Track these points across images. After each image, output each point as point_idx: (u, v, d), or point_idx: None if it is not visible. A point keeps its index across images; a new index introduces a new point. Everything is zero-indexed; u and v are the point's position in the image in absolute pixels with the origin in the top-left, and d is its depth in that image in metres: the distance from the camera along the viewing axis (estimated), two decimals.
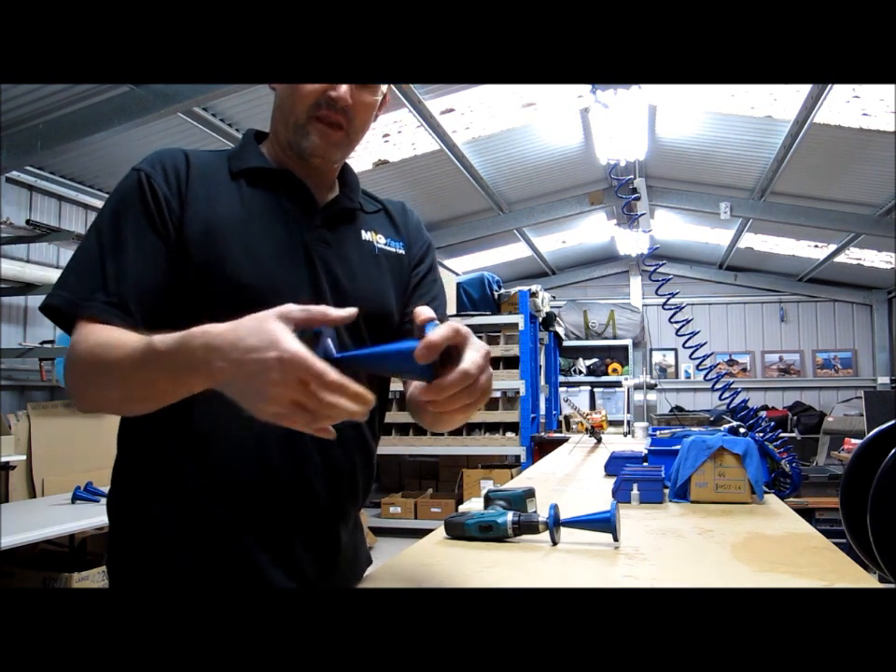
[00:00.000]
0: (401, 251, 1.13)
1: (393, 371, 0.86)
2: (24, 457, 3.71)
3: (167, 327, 0.82)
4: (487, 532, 1.27)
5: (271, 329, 0.69)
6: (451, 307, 5.68)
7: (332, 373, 0.68)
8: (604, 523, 1.25)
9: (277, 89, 1.03)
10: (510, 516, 1.28)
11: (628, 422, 4.42)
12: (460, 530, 1.32)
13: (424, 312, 0.80)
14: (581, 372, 8.85)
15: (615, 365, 8.88)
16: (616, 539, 1.25)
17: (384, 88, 1.06)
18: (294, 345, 0.68)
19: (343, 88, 0.98)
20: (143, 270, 0.92)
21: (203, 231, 0.95)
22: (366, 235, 1.08)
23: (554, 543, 1.26)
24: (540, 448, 4.85)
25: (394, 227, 1.15)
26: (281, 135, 1.03)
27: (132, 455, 1.01)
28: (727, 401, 2.12)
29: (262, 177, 1.02)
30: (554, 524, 1.26)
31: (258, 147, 1.06)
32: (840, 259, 7.29)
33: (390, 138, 4.71)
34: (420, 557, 1.21)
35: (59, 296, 0.91)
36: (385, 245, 1.10)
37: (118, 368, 0.82)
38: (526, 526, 1.27)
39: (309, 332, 0.73)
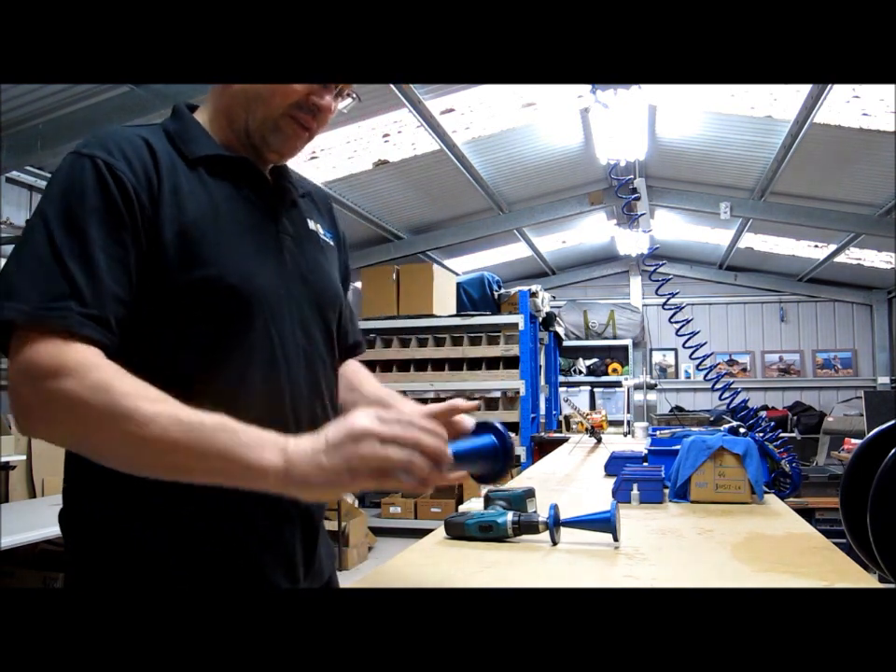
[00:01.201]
0: (332, 242, 1.11)
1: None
2: (24, 457, 3.71)
3: (133, 341, 0.81)
4: (487, 532, 1.27)
5: (352, 418, 0.74)
6: (451, 307, 5.68)
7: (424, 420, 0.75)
8: (604, 523, 1.25)
9: None
10: (510, 516, 1.28)
11: (628, 422, 4.42)
12: (460, 530, 1.32)
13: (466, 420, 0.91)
14: (581, 372, 8.85)
15: (615, 365, 8.88)
16: (616, 539, 1.25)
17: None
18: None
19: (329, 97, 0.96)
20: (116, 276, 0.81)
21: (179, 233, 0.86)
22: (311, 225, 1.06)
23: (554, 543, 1.26)
24: (540, 448, 4.85)
25: (321, 215, 1.11)
26: (239, 120, 0.96)
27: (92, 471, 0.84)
28: (727, 401, 2.12)
29: (220, 165, 0.94)
30: (554, 524, 1.26)
31: (201, 126, 0.97)
32: (840, 259, 7.29)
33: (390, 138, 4.71)
34: (420, 557, 1.21)
35: (12, 308, 0.76)
36: (324, 235, 1.08)
37: (162, 425, 0.72)
38: (526, 526, 1.27)
39: None
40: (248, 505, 0.87)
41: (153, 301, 0.85)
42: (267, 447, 0.73)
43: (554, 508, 1.27)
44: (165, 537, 0.87)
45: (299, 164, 4.68)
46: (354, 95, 1.01)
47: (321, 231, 1.08)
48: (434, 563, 1.18)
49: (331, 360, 1.04)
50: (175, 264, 0.85)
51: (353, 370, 1.17)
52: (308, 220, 1.05)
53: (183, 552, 0.88)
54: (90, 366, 0.75)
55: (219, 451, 0.72)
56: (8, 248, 3.78)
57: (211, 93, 0.99)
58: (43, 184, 4.03)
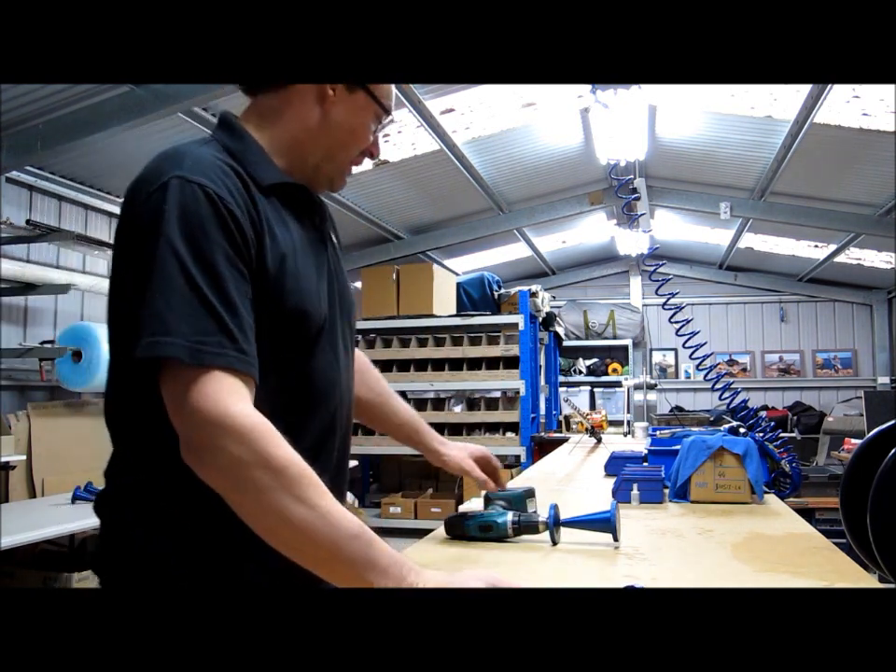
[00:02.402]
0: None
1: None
2: (24, 457, 3.70)
3: None
4: (487, 532, 1.27)
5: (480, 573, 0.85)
6: (451, 307, 5.68)
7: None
8: (604, 523, 1.25)
9: (333, 117, 1.01)
10: (510, 516, 1.28)
11: (628, 422, 4.42)
12: (460, 530, 1.31)
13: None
14: (581, 372, 8.84)
15: (615, 365, 8.87)
16: (616, 539, 1.25)
17: None
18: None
19: (379, 145, 1.08)
20: (248, 310, 0.86)
21: (277, 263, 0.91)
22: (333, 238, 1.12)
23: (554, 543, 1.26)
24: (540, 448, 4.85)
25: (331, 224, 1.13)
26: (313, 159, 1.03)
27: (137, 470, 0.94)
28: (727, 401, 2.12)
29: (287, 193, 0.99)
30: (554, 524, 1.26)
31: (265, 152, 1.00)
32: (840, 259, 7.28)
33: (390, 138, 4.71)
34: (420, 557, 1.21)
35: (171, 344, 0.79)
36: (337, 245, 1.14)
37: (312, 520, 0.78)
38: (526, 526, 1.27)
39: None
40: None
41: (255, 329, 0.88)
42: (390, 575, 0.79)
43: (554, 508, 1.27)
44: (190, 516, 0.91)
45: None
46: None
47: (336, 242, 1.14)
48: (434, 563, 1.18)
49: (353, 358, 1.15)
50: (276, 293, 0.91)
51: (366, 363, 1.32)
52: (332, 236, 1.12)
53: (205, 533, 0.92)
54: (256, 434, 0.79)
55: (347, 558, 0.79)
56: (9, 248, 3.78)
57: (273, 118, 1.01)
58: (43, 184, 4.03)
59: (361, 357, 1.28)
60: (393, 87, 1.10)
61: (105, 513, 0.97)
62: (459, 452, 1.36)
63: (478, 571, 0.81)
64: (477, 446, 1.40)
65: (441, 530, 1.38)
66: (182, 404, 0.80)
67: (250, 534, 0.83)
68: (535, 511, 1.35)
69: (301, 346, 0.97)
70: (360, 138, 1.05)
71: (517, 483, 2.27)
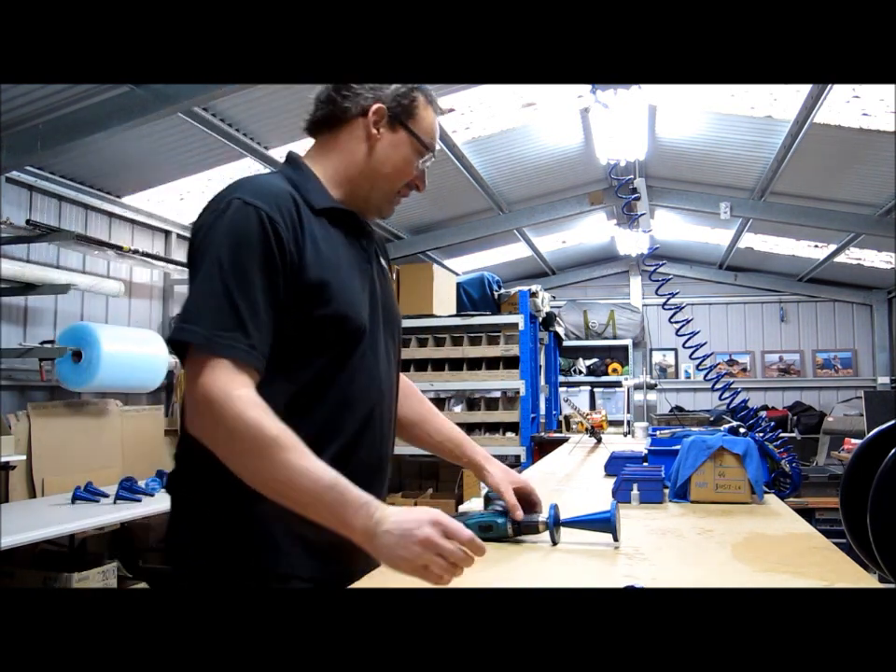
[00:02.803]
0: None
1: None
2: (24, 457, 3.70)
3: (276, 360, 1.03)
4: (487, 532, 1.27)
5: (424, 509, 0.94)
6: (451, 307, 5.68)
7: (465, 530, 0.92)
8: (604, 523, 1.25)
9: (377, 153, 1.17)
10: (506, 521, 1.28)
11: (628, 422, 4.41)
12: None
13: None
14: (581, 372, 8.83)
15: (615, 365, 8.86)
16: (616, 539, 1.25)
17: None
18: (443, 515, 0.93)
19: (424, 177, 1.23)
20: (271, 314, 1.03)
21: (321, 273, 1.08)
22: (383, 262, 1.30)
23: (554, 543, 1.26)
24: (540, 448, 4.85)
25: (382, 250, 1.31)
26: (362, 190, 1.20)
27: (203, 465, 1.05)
28: (727, 401, 2.12)
29: (337, 216, 1.16)
30: (554, 524, 1.26)
31: (321, 182, 1.18)
32: (840, 259, 7.28)
33: None
34: None
35: (193, 332, 0.98)
36: (386, 270, 1.32)
37: (295, 470, 0.94)
38: (527, 527, 1.27)
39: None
40: None
41: (287, 329, 1.06)
42: (360, 515, 0.92)
43: (554, 508, 1.27)
44: (243, 505, 1.06)
45: None
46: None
47: (384, 265, 1.31)
48: None
49: (399, 372, 1.31)
50: (316, 301, 1.07)
51: (411, 386, 1.46)
52: (381, 258, 1.29)
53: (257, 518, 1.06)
54: (251, 413, 0.95)
55: (327, 505, 0.94)
56: (9, 248, 3.78)
57: (329, 154, 1.20)
58: (43, 184, 4.03)
59: (406, 381, 1.42)
60: (437, 123, 1.23)
61: (171, 491, 1.17)
62: (503, 474, 1.34)
63: (426, 509, 0.94)
64: (521, 477, 1.39)
65: None
66: (193, 384, 0.97)
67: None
68: (535, 512, 1.35)
69: (342, 347, 1.12)
70: (403, 172, 1.20)
71: None
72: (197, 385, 0.97)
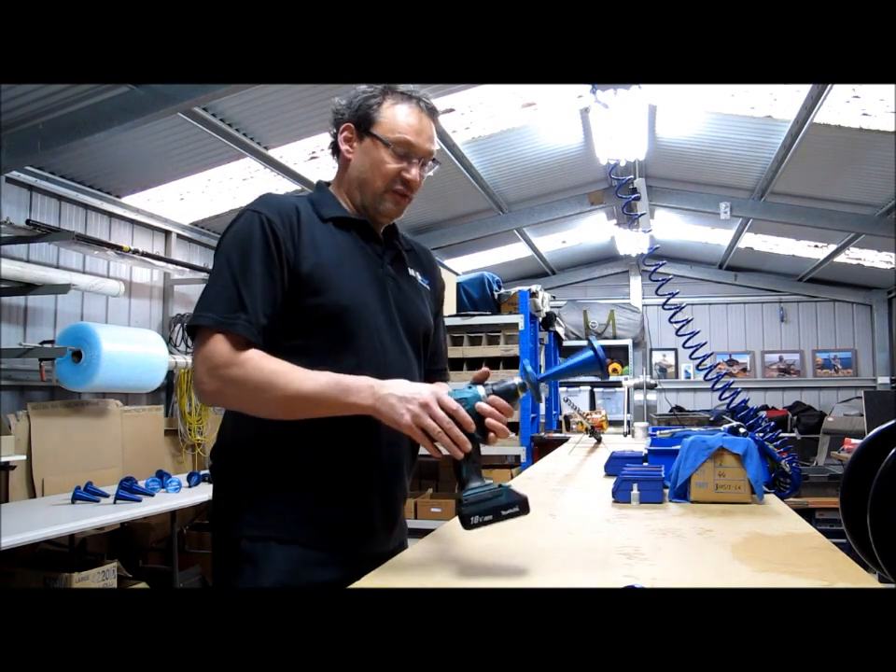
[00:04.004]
0: (428, 286, 1.47)
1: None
2: (24, 457, 3.70)
3: (278, 340, 1.21)
4: (465, 404, 1.11)
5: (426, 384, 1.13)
6: (451, 307, 5.68)
7: (454, 402, 1.08)
8: (590, 364, 1.13)
9: (353, 163, 1.33)
10: (481, 388, 1.14)
11: (628, 422, 4.41)
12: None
13: None
14: None
15: (615, 365, 8.86)
16: (606, 377, 1.17)
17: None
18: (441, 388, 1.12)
19: (415, 171, 1.30)
20: (267, 296, 1.20)
21: (315, 268, 1.24)
22: (411, 272, 1.43)
23: (539, 400, 1.26)
24: (540, 448, 4.84)
25: (421, 265, 1.48)
26: (356, 197, 1.34)
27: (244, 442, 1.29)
28: (727, 401, 2.12)
29: (346, 223, 1.33)
30: (535, 381, 1.14)
31: (335, 197, 1.36)
32: (840, 259, 7.28)
33: None
34: (419, 558, 1.21)
35: (207, 317, 1.18)
36: (421, 280, 1.45)
37: (299, 389, 1.14)
38: (504, 392, 1.14)
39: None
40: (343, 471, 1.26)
41: (294, 316, 1.23)
42: (363, 390, 1.13)
43: (526, 365, 1.16)
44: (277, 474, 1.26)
45: (299, 164, 4.68)
46: (436, 162, 1.36)
47: (419, 277, 1.45)
48: (434, 564, 1.17)
49: (420, 370, 1.40)
50: (310, 290, 1.23)
51: None
52: (409, 269, 1.42)
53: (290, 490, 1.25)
54: (252, 358, 1.16)
55: (334, 397, 1.14)
56: (9, 248, 3.78)
57: (337, 176, 1.39)
58: (43, 184, 4.04)
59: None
60: (411, 115, 1.29)
61: (212, 464, 1.36)
62: None
63: (425, 385, 1.13)
64: None
65: (441, 530, 1.39)
66: (203, 352, 1.17)
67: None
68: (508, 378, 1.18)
69: (344, 335, 1.25)
70: (379, 173, 1.30)
71: (517, 482, 2.27)
72: (207, 357, 1.17)
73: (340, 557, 1.25)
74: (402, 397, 1.10)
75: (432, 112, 1.33)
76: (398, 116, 1.29)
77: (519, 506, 1.09)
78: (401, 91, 1.30)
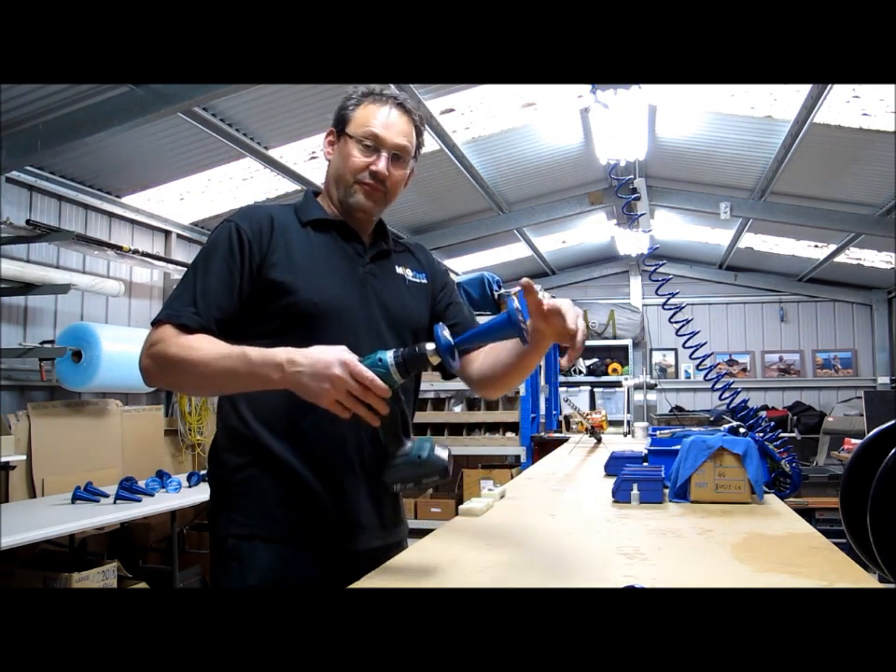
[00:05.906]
0: (425, 281, 1.48)
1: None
2: (24, 457, 3.70)
3: (252, 336, 1.22)
4: (378, 370, 1.08)
5: (336, 350, 1.08)
6: None
7: (368, 372, 1.06)
8: (506, 326, 1.08)
9: (331, 163, 1.39)
10: (390, 355, 1.09)
11: (628, 422, 4.42)
12: None
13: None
14: (580, 372, 8.83)
15: (615, 365, 8.87)
16: (525, 342, 1.11)
17: (412, 163, 1.40)
18: (351, 355, 1.08)
19: (382, 163, 1.33)
20: (221, 290, 1.25)
21: (285, 268, 1.29)
22: (399, 270, 1.44)
23: (452, 371, 1.21)
24: (540, 448, 4.84)
25: (417, 262, 1.50)
26: (334, 195, 1.39)
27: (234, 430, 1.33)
28: (727, 401, 2.12)
29: (324, 225, 1.37)
30: (447, 348, 1.09)
31: (317, 202, 1.41)
32: (840, 259, 7.28)
33: None
34: (419, 557, 1.21)
35: (163, 314, 1.23)
36: (413, 277, 1.47)
37: (210, 362, 1.16)
38: (412, 360, 1.08)
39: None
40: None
41: (268, 318, 1.28)
42: (269, 367, 1.11)
43: (440, 328, 1.10)
44: (266, 469, 1.29)
45: (299, 164, 4.68)
46: (415, 158, 1.40)
47: (410, 273, 1.46)
48: (433, 564, 1.18)
49: None
50: (283, 291, 1.27)
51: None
52: (396, 266, 1.44)
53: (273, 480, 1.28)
54: (179, 336, 1.20)
55: (245, 374, 1.14)
56: (9, 248, 3.78)
57: (324, 181, 1.43)
58: (43, 184, 4.04)
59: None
60: (380, 112, 1.33)
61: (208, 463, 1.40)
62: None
63: (333, 348, 1.09)
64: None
65: (441, 530, 1.39)
66: (151, 339, 1.22)
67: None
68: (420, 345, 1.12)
69: (317, 331, 1.25)
70: (347, 164, 1.34)
71: (517, 482, 2.27)
72: (147, 339, 1.23)
73: (326, 555, 1.27)
74: (314, 374, 1.07)
75: (407, 111, 1.36)
76: (368, 113, 1.35)
77: (439, 473, 1.10)
78: (380, 93, 1.36)
